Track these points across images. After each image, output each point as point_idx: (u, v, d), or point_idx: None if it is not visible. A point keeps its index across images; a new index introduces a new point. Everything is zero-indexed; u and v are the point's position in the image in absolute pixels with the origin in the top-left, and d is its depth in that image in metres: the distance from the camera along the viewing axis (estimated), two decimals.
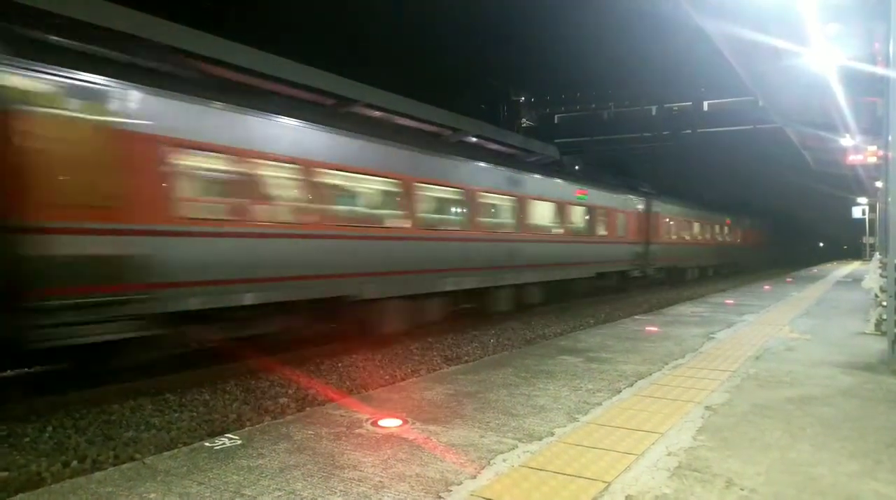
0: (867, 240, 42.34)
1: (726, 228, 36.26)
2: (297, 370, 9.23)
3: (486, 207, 14.29)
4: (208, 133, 8.28)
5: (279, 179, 9.45)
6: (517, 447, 4.25)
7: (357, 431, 4.61)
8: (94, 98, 7.13)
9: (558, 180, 17.46)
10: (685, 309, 13.69)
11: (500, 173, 14.50)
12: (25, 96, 6.61)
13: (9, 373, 8.08)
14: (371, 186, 11.39)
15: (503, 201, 14.77)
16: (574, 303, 18.74)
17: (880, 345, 8.23)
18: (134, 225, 7.39)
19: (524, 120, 48.81)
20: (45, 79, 6.75)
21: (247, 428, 4.95)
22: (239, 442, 4.35)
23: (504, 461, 3.99)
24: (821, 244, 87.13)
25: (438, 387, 6.02)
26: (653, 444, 4.31)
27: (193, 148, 8.14)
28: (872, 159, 18.05)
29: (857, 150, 18.90)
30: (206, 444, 4.33)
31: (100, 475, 3.81)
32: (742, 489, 3.53)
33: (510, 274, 14.50)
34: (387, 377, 8.90)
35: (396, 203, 11.85)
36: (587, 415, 5.04)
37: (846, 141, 18.30)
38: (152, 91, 7.68)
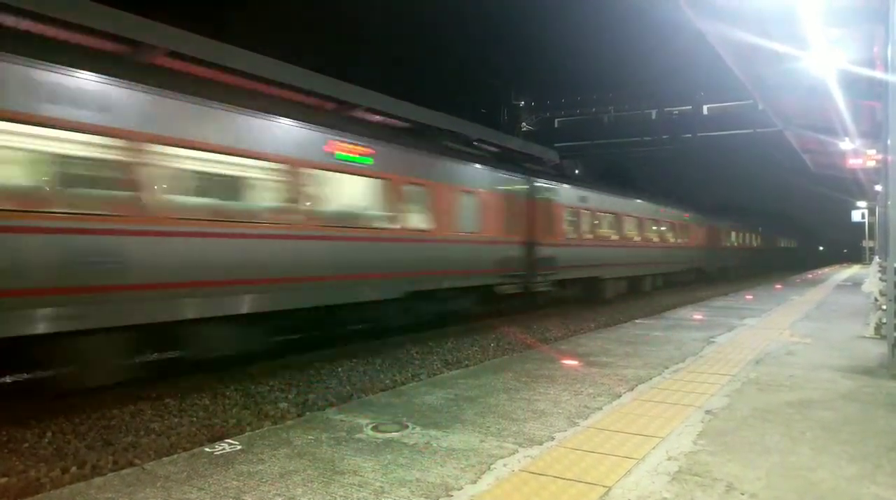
0: (867, 243, 42.34)
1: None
2: (297, 375, 9.22)
3: None
4: None
5: None
6: (517, 451, 4.25)
7: (357, 436, 4.61)
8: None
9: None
10: (686, 313, 13.69)
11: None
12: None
13: (7, 379, 8.08)
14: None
15: None
16: (575, 307, 18.73)
17: (880, 349, 8.23)
18: None
19: (524, 124, 48.93)
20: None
21: (247, 433, 4.94)
22: (239, 447, 4.34)
23: (504, 465, 3.98)
24: (820, 248, 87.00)
25: (439, 391, 6.01)
26: (653, 448, 4.31)
27: None
28: (872, 163, 18.08)
29: (856, 153, 18.94)
30: (206, 449, 4.32)
31: (99, 480, 3.80)
32: (742, 494, 3.52)
33: None
34: (387, 382, 8.90)
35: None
36: (587, 419, 5.04)
37: (846, 145, 18.32)
38: None
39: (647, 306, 19.87)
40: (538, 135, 44.30)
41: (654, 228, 25.25)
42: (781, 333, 10.17)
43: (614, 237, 21.42)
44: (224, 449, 4.30)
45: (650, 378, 6.60)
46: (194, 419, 7.10)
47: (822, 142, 19.21)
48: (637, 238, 23.13)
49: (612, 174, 24.44)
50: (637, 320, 12.59)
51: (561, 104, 50.11)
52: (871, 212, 34.13)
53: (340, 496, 3.52)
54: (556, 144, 35.69)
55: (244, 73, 9.68)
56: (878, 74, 10.57)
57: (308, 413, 6.66)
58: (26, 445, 6.14)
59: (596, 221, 20.12)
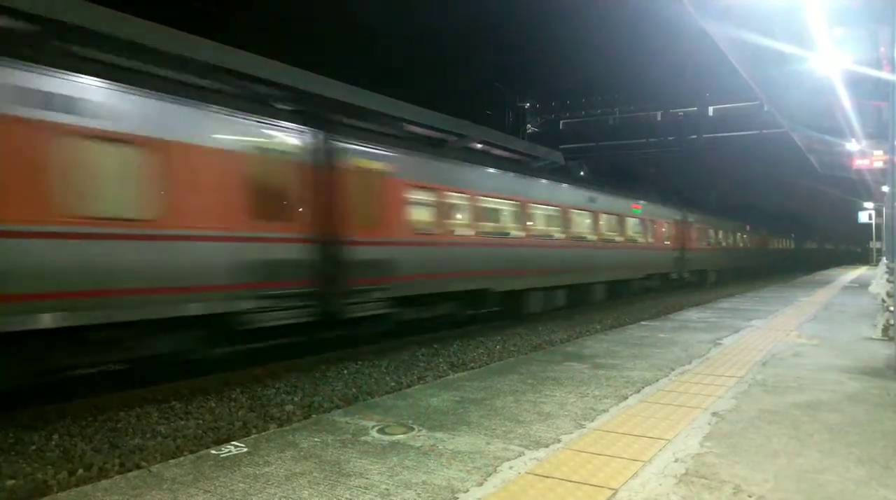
0: (874, 244, 42.16)
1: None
2: (302, 377, 9.23)
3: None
4: None
5: None
6: (524, 454, 4.24)
7: (363, 438, 4.61)
8: None
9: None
10: (692, 315, 13.64)
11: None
12: None
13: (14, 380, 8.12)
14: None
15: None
16: (579, 309, 18.71)
17: (887, 350, 8.18)
18: None
19: (529, 126, 48.89)
20: None
21: (253, 436, 4.95)
22: (245, 450, 4.35)
23: (510, 468, 3.98)
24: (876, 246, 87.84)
25: (444, 394, 6.01)
26: (660, 450, 4.29)
27: None
28: (879, 164, 18.01)
29: (863, 154, 18.87)
30: (212, 452, 4.33)
31: (106, 482, 3.81)
32: (750, 496, 3.50)
33: None
34: (392, 384, 8.90)
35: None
36: (594, 421, 5.02)
37: (852, 145, 18.26)
38: None
39: (652, 307, 19.82)
40: (543, 137, 44.24)
41: (732, 236, 36.95)
42: (788, 334, 10.13)
43: (713, 243, 33.03)
44: (230, 451, 4.31)
45: (656, 380, 6.58)
46: (200, 421, 7.12)
47: (828, 143, 19.16)
48: (724, 243, 34.99)
49: (617, 175, 25.50)
50: (643, 322, 12.56)
51: (566, 106, 50.00)
52: (879, 213, 34.00)
53: (346, 498, 3.52)
54: (562, 146, 35.64)
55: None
56: (884, 75, 10.54)
57: (314, 415, 6.67)
58: (33, 447, 6.17)
59: (705, 234, 31.50)
